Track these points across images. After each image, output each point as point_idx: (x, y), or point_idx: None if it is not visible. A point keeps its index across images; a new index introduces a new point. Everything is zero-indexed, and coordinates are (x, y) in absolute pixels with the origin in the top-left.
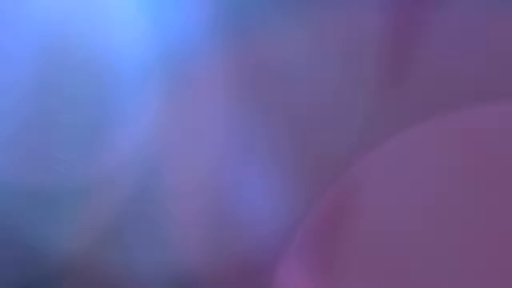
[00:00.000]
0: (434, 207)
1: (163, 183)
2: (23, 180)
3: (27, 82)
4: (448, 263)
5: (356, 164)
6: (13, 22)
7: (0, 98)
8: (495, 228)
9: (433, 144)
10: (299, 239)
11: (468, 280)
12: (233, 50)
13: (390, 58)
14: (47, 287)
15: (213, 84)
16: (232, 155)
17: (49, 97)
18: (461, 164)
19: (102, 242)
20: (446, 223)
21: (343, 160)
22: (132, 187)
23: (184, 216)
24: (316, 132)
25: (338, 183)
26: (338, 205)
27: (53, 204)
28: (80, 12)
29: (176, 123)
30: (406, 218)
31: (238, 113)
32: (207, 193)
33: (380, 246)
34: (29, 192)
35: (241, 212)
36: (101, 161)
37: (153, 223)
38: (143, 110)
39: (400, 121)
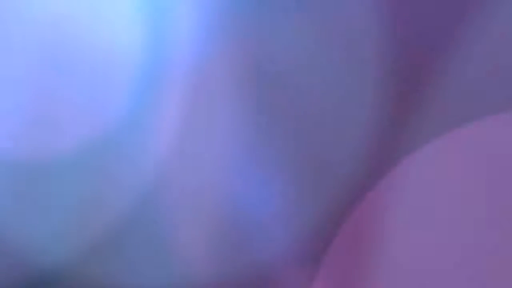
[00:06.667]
0: (458, 221)
1: (165, 185)
2: (21, 177)
3: (27, 80)
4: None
5: (374, 176)
6: (13, 22)
7: (0, 96)
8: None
9: (454, 156)
10: (326, 258)
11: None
12: (235, 51)
13: (393, 57)
14: None
15: (216, 84)
16: (237, 158)
17: (48, 98)
18: (485, 177)
19: (101, 248)
20: (478, 240)
21: (348, 162)
22: (133, 190)
23: (188, 222)
24: (322, 133)
25: (360, 198)
26: (362, 222)
27: (52, 205)
28: (79, 13)
29: (177, 124)
30: (432, 234)
31: (241, 114)
32: (212, 198)
33: (406, 261)
34: (26, 191)
35: (246, 219)
36: (101, 162)
37: (155, 229)
38: (144, 111)
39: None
